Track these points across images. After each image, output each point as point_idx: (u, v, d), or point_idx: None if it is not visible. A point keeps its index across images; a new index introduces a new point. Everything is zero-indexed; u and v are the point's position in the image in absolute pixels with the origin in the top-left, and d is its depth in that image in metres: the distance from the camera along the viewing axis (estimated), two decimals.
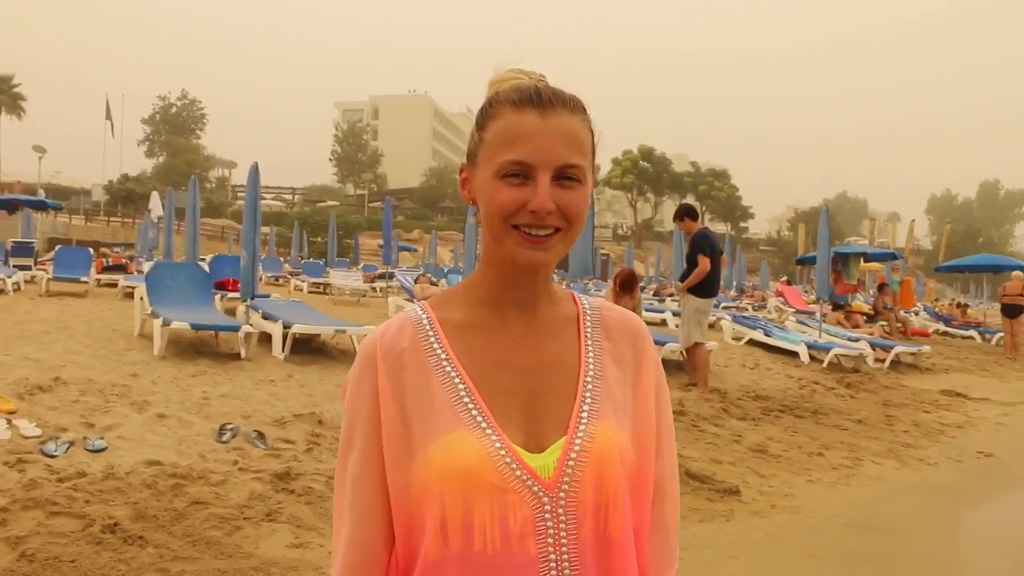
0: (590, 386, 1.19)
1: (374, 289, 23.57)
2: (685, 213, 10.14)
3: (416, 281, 18.33)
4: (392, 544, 1.18)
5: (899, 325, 19.38)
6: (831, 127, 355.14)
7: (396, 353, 1.19)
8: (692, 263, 9.66)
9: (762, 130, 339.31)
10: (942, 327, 23.60)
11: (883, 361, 13.78)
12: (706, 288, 9.60)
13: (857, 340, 14.37)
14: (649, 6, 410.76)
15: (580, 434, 1.14)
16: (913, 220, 50.70)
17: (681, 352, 10.11)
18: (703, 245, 9.61)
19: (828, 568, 4.75)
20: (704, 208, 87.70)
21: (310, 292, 23.81)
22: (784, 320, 18.31)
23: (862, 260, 20.62)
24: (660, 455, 1.26)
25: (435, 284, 18.55)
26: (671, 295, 24.47)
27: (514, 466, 1.11)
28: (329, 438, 6.21)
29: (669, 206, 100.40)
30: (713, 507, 5.54)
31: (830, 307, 17.15)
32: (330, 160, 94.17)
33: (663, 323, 17.42)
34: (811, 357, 13.13)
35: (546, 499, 1.11)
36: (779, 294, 27.77)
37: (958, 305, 29.71)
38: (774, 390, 10.37)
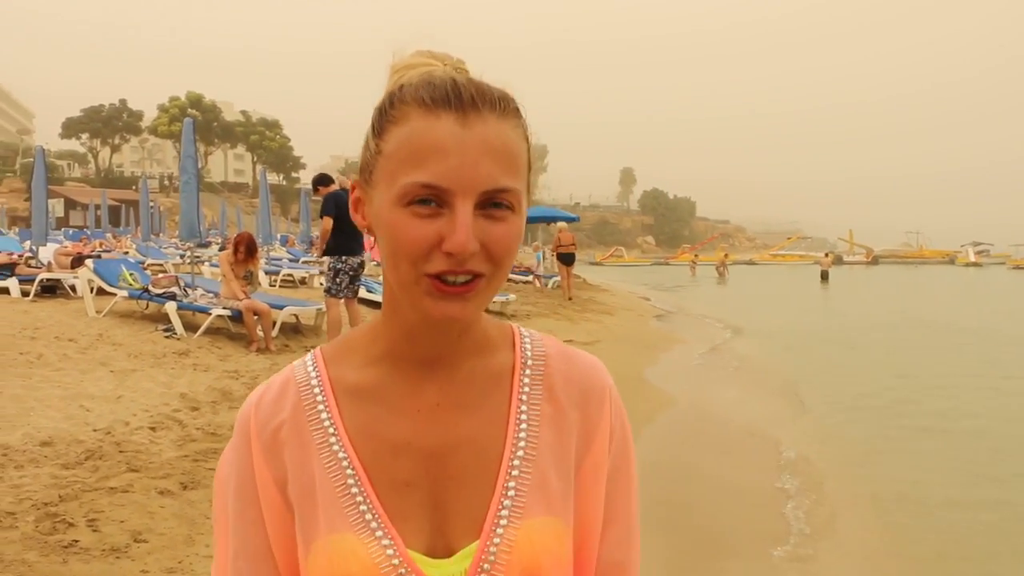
0: (515, 472, 0.93)
1: None
2: (317, 183, 10.00)
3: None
4: None
5: None
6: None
7: (273, 428, 0.95)
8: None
9: (308, 74, 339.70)
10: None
11: None
12: (336, 247, 9.51)
13: None
14: None
15: (496, 540, 0.90)
16: None
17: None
18: (328, 206, 9.52)
19: None
20: (256, 159, 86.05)
21: None
22: (379, 276, 18.73)
23: None
24: (616, 542, 1.01)
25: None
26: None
27: None
28: None
29: (218, 157, 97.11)
30: None
31: None
32: None
33: (303, 282, 17.10)
34: None
35: None
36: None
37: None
38: None
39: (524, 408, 0.96)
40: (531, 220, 29.84)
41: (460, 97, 0.85)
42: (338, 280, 9.50)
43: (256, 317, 9.48)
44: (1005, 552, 5.55)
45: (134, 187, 66.43)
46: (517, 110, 0.90)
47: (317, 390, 0.96)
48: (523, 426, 0.95)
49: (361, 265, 9.72)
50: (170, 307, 9.77)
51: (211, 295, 10.40)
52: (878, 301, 28.97)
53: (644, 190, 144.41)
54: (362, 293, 14.35)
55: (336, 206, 9.48)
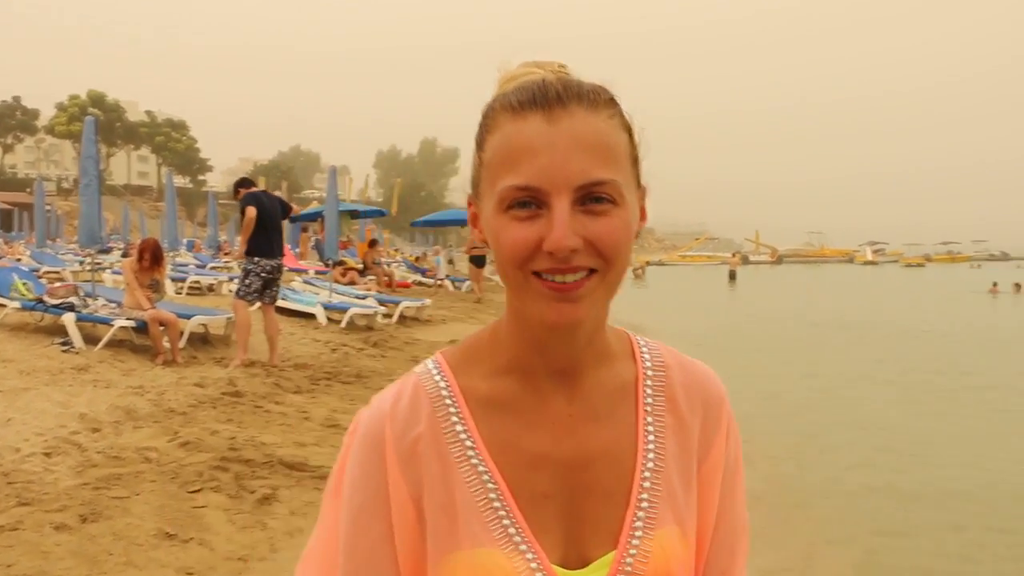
0: (647, 484, 0.95)
1: None
2: (239, 185, 9.65)
3: None
4: None
5: (386, 278, 20.54)
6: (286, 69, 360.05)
7: (411, 440, 0.93)
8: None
9: (218, 72, 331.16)
10: (419, 278, 25.51)
11: (391, 316, 14.44)
12: (251, 248, 9.13)
13: (365, 298, 14.86)
14: None
15: (632, 552, 0.92)
16: (369, 175, 54.01)
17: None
18: (247, 200, 9.16)
19: None
20: (161, 161, 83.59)
21: None
22: (290, 281, 18.25)
23: (350, 217, 21.36)
24: (722, 547, 1.03)
25: None
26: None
27: None
28: None
29: (121, 158, 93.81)
30: None
31: (331, 265, 17.46)
32: None
33: (211, 289, 16.45)
34: (328, 318, 13.24)
35: None
36: None
37: (417, 258, 32.51)
38: (309, 356, 10.26)
39: (650, 420, 0.98)
40: (447, 223, 29.67)
41: (546, 96, 0.86)
42: (248, 282, 9.13)
43: (162, 328, 9.00)
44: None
45: (28, 189, 63.66)
46: (611, 100, 0.89)
47: (449, 401, 0.95)
48: (651, 438, 0.97)
49: (277, 269, 9.35)
50: (68, 319, 9.16)
51: (113, 305, 9.82)
52: (783, 299, 29.64)
53: None
54: (280, 302, 14.01)
55: (257, 204, 9.12)
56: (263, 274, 9.11)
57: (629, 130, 0.91)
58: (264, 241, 9.13)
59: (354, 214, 21.05)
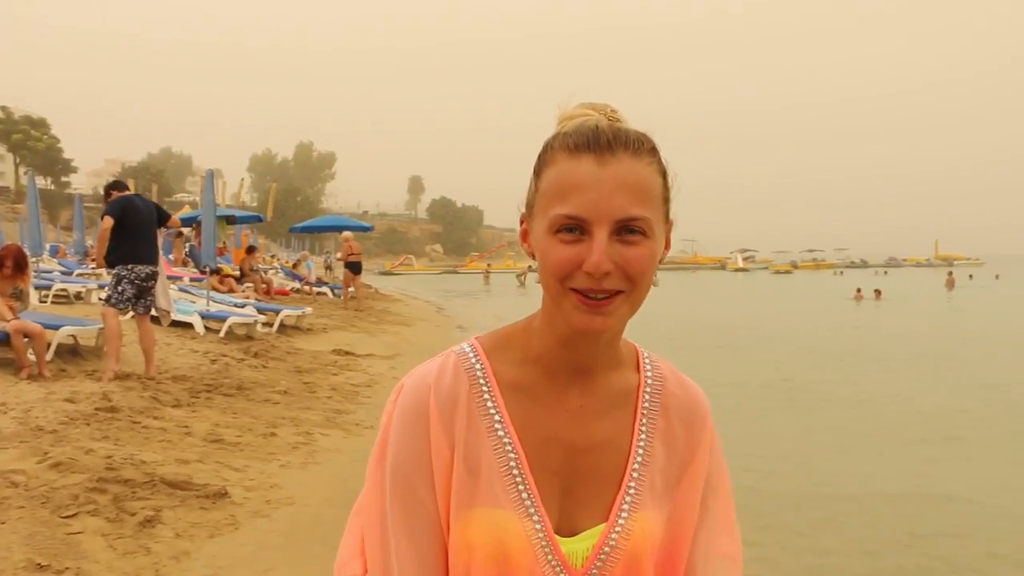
0: (636, 473, 1.14)
1: None
2: (110, 188, 9.16)
3: None
4: None
5: (263, 286, 20.01)
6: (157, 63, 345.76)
7: (451, 407, 1.12)
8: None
9: (83, 63, 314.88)
10: (298, 285, 24.95)
11: (271, 325, 14.06)
12: (123, 255, 8.70)
13: (244, 306, 14.42)
14: None
15: (618, 528, 1.11)
16: (243, 179, 52.64)
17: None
18: (111, 208, 8.73)
19: None
20: (19, 160, 79.27)
21: None
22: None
23: (226, 222, 20.71)
24: (722, 537, 1.21)
25: None
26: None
27: (548, 551, 1.09)
28: None
29: None
30: (213, 517, 5.06)
31: (207, 272, 16.89)
32: None
33: (79, 297, 15.63)
34: (205, 327, 12.77)
35: None
36: None
37: (294, 264, 31.79)
38: (187, 368, 9.86)
39: (644, 422, 1.17)
40: (325, 229, 29.15)
41: (599, 141, 1.03)
42: (120, 289, 8.71)
43: (27, 339, 8.47)
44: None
45: None
46: (653, 149, 1.06)
47: (483, 381, 1.13)
48: (643, 436, 1.16)
49: (152, 276, 8.92)
50: None
51: None
52: (660, 304, 30.31)
53: (433, 198, 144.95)
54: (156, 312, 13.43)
55: (123, 210, 8.69)
56: (137, 281, 8.70)
57: (664, 174, 1.08)
58: (136, 246, 8.71)
59: (230, 219, 20.39)
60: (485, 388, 1.13)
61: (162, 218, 9.43)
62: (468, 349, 1.17)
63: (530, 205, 1.11)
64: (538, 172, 1.09)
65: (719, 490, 1.22)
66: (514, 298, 39.90)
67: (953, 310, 34.03)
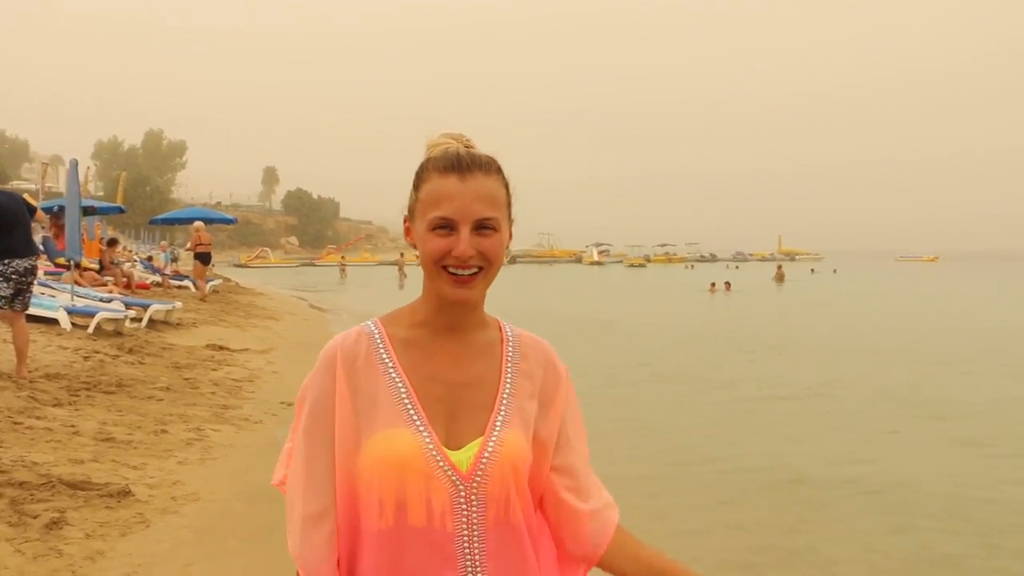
0: (505, 401, 1.49)
1: None
2: None
3: None
4: (336, 518, 1.44)
5: (124, 279, 19.27)
6: None
7: (353, 360, 1.47)
8: None
9: None
10: (158, 279, 24.11)
11: (140, 320, 13.62)
12: (5, 251, 8.21)
13: (110, 300, 13.91)
14: None
15: (494, 438, 1.44)
16: (88, 167, 50.15)
17: None
18: None
19: (255, 549, 4.72)
20: None
21: None
22: None
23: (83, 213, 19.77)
24: (576, 456, 1.58)
25: None
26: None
27: (438, 458, 1.41)
28: None
29: None
30: (120, 516, 5.00)
31: (71, 266, 16.13)
32: None
33: None
34: (72, 323, 12.25)
35: (462, 487, 1.41)
36: None
37: (151, 257, 30.66)
38: (60, 366, 9.46)
39: (510, 366, 1.53)
40: (188, 221, 28.25)
41: (460, 164, 1.43)
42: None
43: None
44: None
45: None
46: (499, 169, 1.48)
47: (379, 340, 1.49)
48: (509, 375, 1.52)
49: (30, 271, 8.44)
50: None
51: None
52: (518, 297, 30.66)
53: (288, 190, 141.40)
54: (33, 310, 12.75)
55: None
56: (15, 276, 8.26)
57: (507, 186, 1.49)
58: (13, 240, 8.29)
59: (87, 210, 19.49)
60: (380, 345, 1.48)
61: (31, 209, 9.01)
62: (370, 322, 1.53)
63: (411, 210, 1.49)
64: (416, 186, 1.47)
65: (574, 418, 1.60)
66: (394, 291, 39.52)
67: (782, 303, 35.60)
